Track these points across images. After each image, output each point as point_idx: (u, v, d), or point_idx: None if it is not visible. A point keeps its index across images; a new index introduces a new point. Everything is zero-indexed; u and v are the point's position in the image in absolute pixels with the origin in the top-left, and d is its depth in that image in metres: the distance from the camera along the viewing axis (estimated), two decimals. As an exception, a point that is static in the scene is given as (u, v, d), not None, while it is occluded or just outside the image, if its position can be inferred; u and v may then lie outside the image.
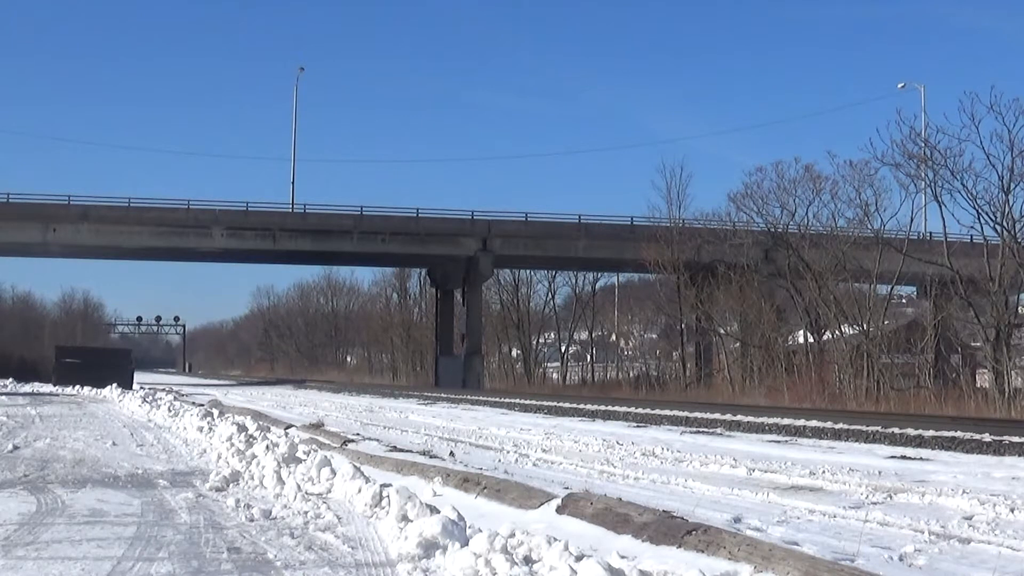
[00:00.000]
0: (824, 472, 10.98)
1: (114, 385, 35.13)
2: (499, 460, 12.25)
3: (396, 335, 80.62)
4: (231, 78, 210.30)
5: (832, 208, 38.39)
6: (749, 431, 18.18)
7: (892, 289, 38.13)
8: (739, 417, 20.34)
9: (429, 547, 5.62)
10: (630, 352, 71.61)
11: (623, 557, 5.14)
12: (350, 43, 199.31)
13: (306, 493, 8.04)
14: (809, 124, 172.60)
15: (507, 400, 31.78)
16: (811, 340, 39.35)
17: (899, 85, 46.47)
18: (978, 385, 32.22)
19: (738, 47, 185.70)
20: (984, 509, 8.19)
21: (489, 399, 33.32)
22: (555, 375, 69.50)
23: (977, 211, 30.57)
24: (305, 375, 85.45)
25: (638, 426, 19.83)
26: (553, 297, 70.17)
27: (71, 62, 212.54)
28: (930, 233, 39.46)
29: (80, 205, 50.28)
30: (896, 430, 16.17)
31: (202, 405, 22.60)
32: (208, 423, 15.10)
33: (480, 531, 5.72)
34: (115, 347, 71.50)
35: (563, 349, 70.46)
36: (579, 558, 5.01)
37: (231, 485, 8.73)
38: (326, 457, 9.14)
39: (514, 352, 71.25)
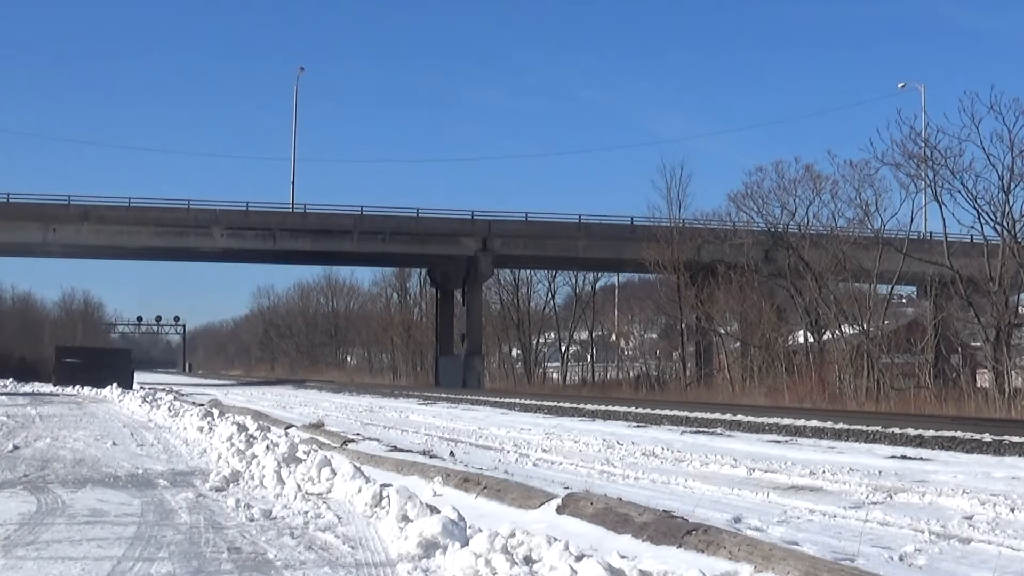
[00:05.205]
0: (824, 472, 10.98)
1: (114, 385, 35.14)
2: (499, 460, 12.24)
3: (396, 335, 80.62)
4: (231, 78, 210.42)
5: (832, 208, 38.48)
6: (749, 431, 18.18)
7: (892, 289, 38.13)
8: (739, 417, 20.33)
9: (429, 547, 5.62)
10: (630, 352, 71.60)
11: (623, 557, 5.14)
12: (350, 43, 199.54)
13: (306, 493, 8.04)
14: (809, 124, 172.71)
15: (507, 400, 31.77)
16: (811, 340, 39.34)
17: (899, 85, 46.55)
18: (978, 385, 32.19)
19: (738, 47, 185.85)
20: (984, 509, 8.19)
21: (489, 399, 33.31)
22: (555, 375, 69.47)
23: (977, 211, 30.64)
24: (305, 375, 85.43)
25: (638, 426, 19.82)
26: (553, 297, 70.24)
27: (71, 62, 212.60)
28: (930, 233, 39.56)
29: (80, 205, 50.30)
30: (896, 430, 16.16)
31: (202, 405, 22.59)
32: (208, 423, 15.10)
33: (480, 531, 5.72)
34: (115, 347, 71.50)
35: (563, 349, 70.42)
36: (579, 558, 5.01)
37: (231, 485, 8.73)
38: (326, 457, 9.14)
39: (514, 352, 71.24)
